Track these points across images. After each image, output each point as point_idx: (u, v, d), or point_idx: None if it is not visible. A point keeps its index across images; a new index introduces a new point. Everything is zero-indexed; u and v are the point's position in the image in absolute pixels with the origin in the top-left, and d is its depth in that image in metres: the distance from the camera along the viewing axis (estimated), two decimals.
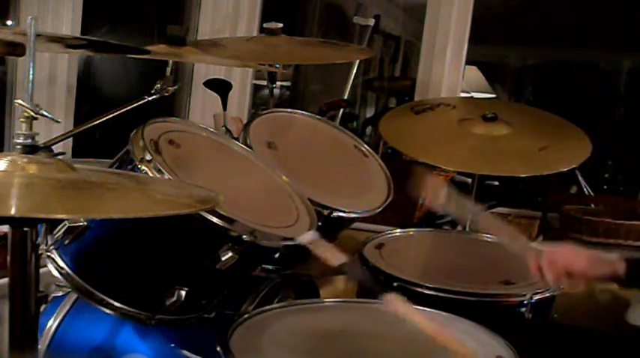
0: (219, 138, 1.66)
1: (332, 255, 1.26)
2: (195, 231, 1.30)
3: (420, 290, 1.65)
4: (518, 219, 2.69)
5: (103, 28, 2.70)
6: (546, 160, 2.09)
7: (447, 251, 2.03)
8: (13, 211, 0.91)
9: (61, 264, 1.36)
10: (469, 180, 2.37)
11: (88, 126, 1.88)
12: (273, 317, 1.42)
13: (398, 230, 2.08)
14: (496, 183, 3.04)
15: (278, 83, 2.21)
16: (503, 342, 1.35)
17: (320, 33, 3.99)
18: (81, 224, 1.13)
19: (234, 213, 1.29)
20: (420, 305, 1.52)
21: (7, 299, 1.08)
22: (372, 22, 2.83)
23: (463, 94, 3.20)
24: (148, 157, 1.31)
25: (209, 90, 2.15)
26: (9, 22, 2.29)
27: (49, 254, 1.32)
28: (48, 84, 2.39)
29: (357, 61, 2.77)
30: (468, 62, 2.92)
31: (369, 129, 3.82)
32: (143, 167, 1.30)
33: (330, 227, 1.68)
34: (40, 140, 1.16)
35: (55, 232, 1.15)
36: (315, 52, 2.28)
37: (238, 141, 1.68)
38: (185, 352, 1.48)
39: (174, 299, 1.34)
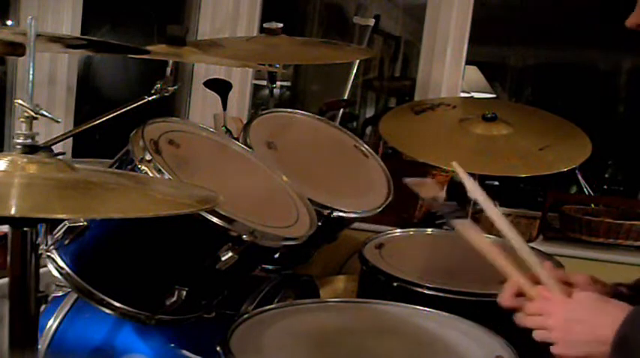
0: (219, 138, 1.66)
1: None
2: (195, 231, 1.30)
3: (420, 290, 1.65)
4: (519, 219, 2.69)
5: (103, 28, 2.70)
6: (546, 160, 2.09)
7: (447, 251, 2.03)
8: (13, 211, 0.91)
9: (61, 264, 1.36)
10: None
11: (88, 126, 1.88)
12: (273, 317, 1.42)
13: (398, 230, 2.08)
14: (496, 183, 3.04)
15: (278, 83, 2.21)
16: (504, 342, 1.35)
17: (320, 33, 3.99)
18: (81, 224, 1.13)
19: (234, 213, 1.29)
20: (420, 305, 1.52)
21: (7, 299, 1.08)
22: (372, 22, 2.83)
23: (463, 94, 3.20)
24: (148, 157, 1.31)
25: (209, 90, 2.15)
26: (9, 22, 2.28)
27: (49, 254, 1.33)
28: (48, 84, 2.38)
29: (357, 61, 2.77)
30: (468, 62, 2.92)
31: (369, 129, 3.82)
32: (143, 167, 1.30)
33: (330, 227, 1.68)
34: (40, 140, 1.16)
35: (55, 232, 1.15)
36: (315, 52, 2.27)
37: (238, 141, 1.68)
38: (185, 352, 1.48)
39: (174, 299, 1.34)
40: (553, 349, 1.05)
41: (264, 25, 2.16)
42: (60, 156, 1.64)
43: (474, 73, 3.92)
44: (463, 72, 2.86)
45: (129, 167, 1.34)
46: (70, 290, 1.37)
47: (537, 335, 1.07)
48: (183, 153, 1.44)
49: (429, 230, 2.16)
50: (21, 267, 1.07)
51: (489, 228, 2.68)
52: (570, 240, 2.48)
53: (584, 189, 2.78)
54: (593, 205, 2.68)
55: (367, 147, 1.96)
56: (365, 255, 1.83)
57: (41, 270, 1.11)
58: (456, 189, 2.86)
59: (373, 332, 1.41)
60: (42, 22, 2.28)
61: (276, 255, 1.58)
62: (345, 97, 2.72)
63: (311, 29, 3.99)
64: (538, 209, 2.68)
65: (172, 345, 1.50)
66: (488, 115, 2.18)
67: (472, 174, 2.29)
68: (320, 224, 1.54)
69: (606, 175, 4.13)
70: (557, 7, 4.04)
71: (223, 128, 2.06)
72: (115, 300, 1.36)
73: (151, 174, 1.29)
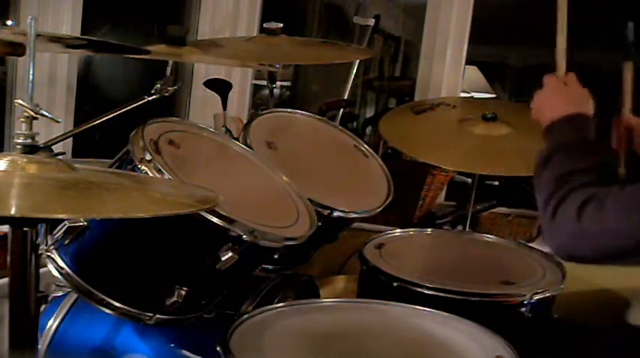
0: (219, 138, 1.66)
1: None
2: (195, 231, 1.30)
3: (420, 290, 1.65)
4: (519, 219, 2.69)
5: (103, 28, 2.70)
6: None
7: (447, 251, 2.03)
8: (13, 211, 0.91)
9: (61, 264, 1.36)
10: (469, 180, 2.37)
11: (88, 126, 1.88)
12: (273, 317, 1.42)
13: (398, 230, 2.08)
14: (496, 183, 3.04)
15: (278, 83, 2.21)
16: (504, 342, 1.35)
17: (320, 33, 3.98)
18: (81, 224, 1.13)
19: (234, 213, 1.29)
20: (420, 305, 1.52)
21: (7, 299, 1.08)
22: (372, 22, 2.83)
23: (463, 94, 3.20)
24: (148, 157, 1.31)
25: (209, 90, 2.15)
26: (9, 22, 2.29)
27: (49, 254, 1.32)
28: (48, 84, 2.38)
29: (357, 61, 2.77)
30: (468, 62, 2.92)
31: (369, 129, 3.82)
32: (143, 167, 1.30)
33: (330, 227, 1.68)
34: (40, 140, 1.16)
35: (55, 232, 1.15)
36: (315, 52, 2.27)
37: (238, 141, 1.68)
38: (185, 352, 1.48)
39: (174, 299, 1.34)
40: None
41: (264, 25, 2.15)
42: (60, 156, 1.65)
43: (474, 73, 3.91)
44: (463, 72, 2.86)
45: (129, 167, 1.34)
46: (70, 290, 1.37)
47: None
48: (183, 153, 1.44)
49: (429, 230, 2.16)
50: (21, 267, 1.07)
51: (489, 227, 2.69)
52: None
53: None
54: None
55: (367, 147, 1.96)
56: (365, 255, 1.83)
57: (41, 270, 1.11)
58: (456, 189, 2.86)
59: (373, 332, 1.41)
60: (42, 22, 2.28)
61: (276, 255, 1.58)
62: (345, 97, 2.72)
63: (311, 29, 3.99)
64: (538, 209, 2.67)
65: (172, 345, 1.50)
66: (488, 115, 2.18)
67: (472, 175, 2.30)
68: (320, 224, 1.54)
69: None
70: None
71: (223, 128, 2.07)
72: (115, 300, 1.36)
73: (151, 174, 1.30)
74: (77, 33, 2.40)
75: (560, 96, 1.36)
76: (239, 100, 2.92)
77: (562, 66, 1.44)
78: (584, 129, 1.30)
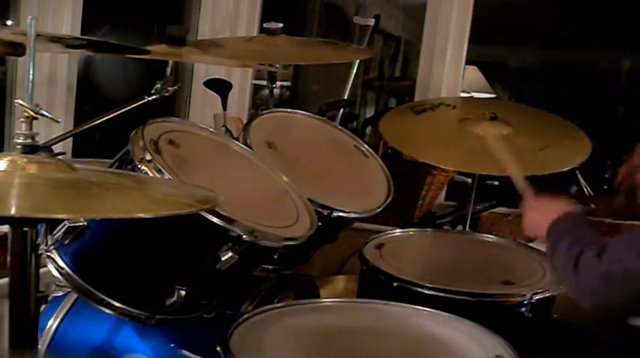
0: (219, 138, 1.66)
1: None
2: (195, 231, 1.30)
3: (420, 290, 1.65)
4: (519, 219, 2.68)
5: (103, 28, 2.70)
6: (546, 160, 2.09)
7: (447, 251, 2.03)
8: (13, 211, 0.91)
9: (61, 264, 1.36)
10: (469, 180, 2.37)
11: (88, 126, 1.89)
12: (273, 317, 1.42)
13: (398, 230, 2.08)
14: (496, 183, 3.04)
15: (278, 83, 2.21)
16: (504, 342, 1.35)
17: (320, 33, 3.98)
18: (81, 224, 1.13)
19: (234, 213, 1.29)
20: (420, 305, 1.52)
21: (7, 299, 1.08)
22: (372, 22, 2.83)
23: (463, 94, 3.20)
24: (148, 157, 1.31)
25: (209, 91, 2.15)
26: (9, 22, 2.29)
27: (49, 254, 1.32)
28: (48, 84, 2.38)
29: (357, 61, 2.77)
30: (468, 62, 2.92)
31: (369, 129, 3.82)
32: (143, 167, 1.30)
33: (330, 227, 1.68)
34: (40, 140, 1.16)
35: (55, 232, 1.15)
36: (315, 52, 2.27)
37: (238, 141, 1.68)
38: (185, 352, 1.48)
39: (174, 299, 1.34)
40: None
41: (264, 25, 2.15)
42: (60, 156, 1.65)
43: (474, 73, 3.92)
44: (463, 72, 2.86)
45: (129, 167, 1.34)
46: (70, 290, 1.37)
47: None
48: (183, 153, 1.44)
49: (429, 230, 2.16)
50: (21, 267, 1.07)
51: (489, 227, 2.69)
52: None
53: (584, 189, 2.77)
54: (593, 205, 2.68)
55: (367, 147, 1.96)
56: (365, 255, 1.83)
57: (41, 270, 1.11)
58: (456, 189, 2.86)
59: (373, 332, 1.41)
60: (42, 22, 2.28)
61: (276, 255, 1.58)
62: (345, 97, 2.72)
63: (311, 29, 3.99)
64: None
65: (172, 345, 1.50)
66: (488, 115, 2.18)
67: (472, 175, 2.30)
68: (320, 224, 1.54)
69: (606, 175, 4.12)
70: (556, 7, 4.04)
71: (223, 128, 2.07)
72: (115, 300, 1.36)
73: (151, 174, 1.30)
74: (77, 33, 2.40)
75: (547, 208, 1.44)
76: (239, 100, 2.92)
77: (529, 190, 1.59)
78: (579, 218, 1.38)
